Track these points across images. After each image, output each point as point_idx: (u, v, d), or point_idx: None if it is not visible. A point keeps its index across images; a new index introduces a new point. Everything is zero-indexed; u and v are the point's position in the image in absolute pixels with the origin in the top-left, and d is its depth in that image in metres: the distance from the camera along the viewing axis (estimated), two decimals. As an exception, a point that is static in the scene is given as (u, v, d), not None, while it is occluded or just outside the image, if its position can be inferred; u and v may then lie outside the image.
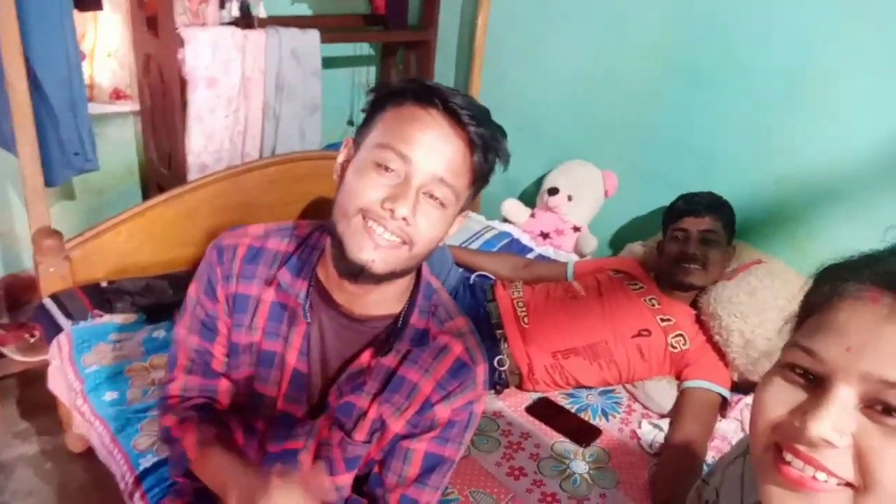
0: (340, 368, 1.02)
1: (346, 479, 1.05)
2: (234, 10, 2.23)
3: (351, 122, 3.07)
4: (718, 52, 1.97)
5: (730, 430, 1.67)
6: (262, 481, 0.85)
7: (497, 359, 1.72)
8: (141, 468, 1.38)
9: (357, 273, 0.90)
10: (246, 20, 2.26)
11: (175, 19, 2.09)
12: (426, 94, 0.88)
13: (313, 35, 2.33)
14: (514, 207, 2.40)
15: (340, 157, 0.96)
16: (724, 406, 1.69)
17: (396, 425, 1.00)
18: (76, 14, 2.19)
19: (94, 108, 2.40)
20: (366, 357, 0.99)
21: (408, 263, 0.93)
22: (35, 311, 1.85)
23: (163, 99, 2.23)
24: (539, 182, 2.43)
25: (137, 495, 1.33)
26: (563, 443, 1.61)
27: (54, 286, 1.83)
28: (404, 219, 0.87)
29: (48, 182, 1.89)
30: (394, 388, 0.99)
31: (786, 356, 0.58)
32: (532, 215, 2.38)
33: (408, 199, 0.87)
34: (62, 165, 1.91)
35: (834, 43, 1.75)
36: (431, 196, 0.89)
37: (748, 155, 1.93)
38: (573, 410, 1.72)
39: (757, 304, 1.67)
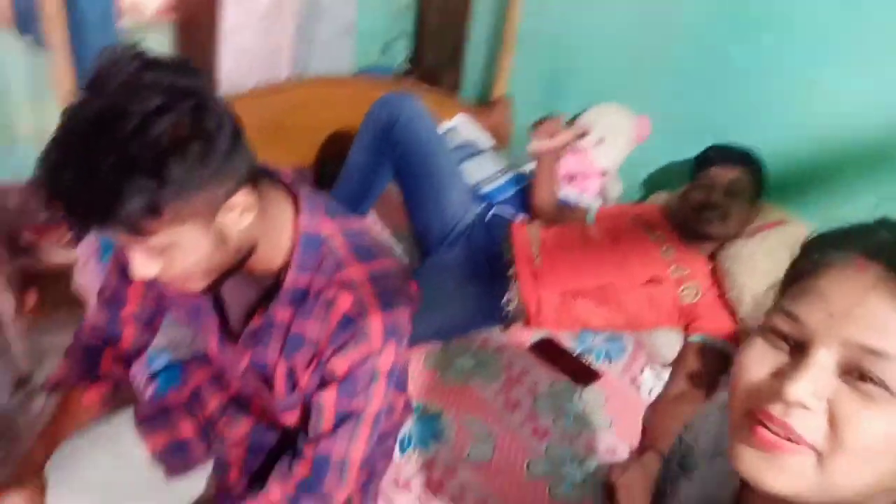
0: (243, 325, 1.03)
1: (289, 418, 1.06)
2: (272, -76, 2.19)
3: (386, 49, 3.02)
4: (758, 3, 1.87)
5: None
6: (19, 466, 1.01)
7: (505, 298, 1.74)
8: (154, 367, 1.47)
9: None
10: (284, -67, 2.22)
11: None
12: None
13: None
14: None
15: None
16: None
17: (304, 380, 1.00)
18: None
19: (128, 21, 2.41)
20: (259, 315, 1.00)
21: (229, 261, 0.91)
22: (67, 212, 1.92)
23: (196, 13, 2.23)
24: (572, 122, 2.38)
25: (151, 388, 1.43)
26: (563, 381, 1.64)
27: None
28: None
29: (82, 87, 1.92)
30: (294, 346, 0.99)
31: (769, 320, 0.58)
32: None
33: (134, 265, 0.87)
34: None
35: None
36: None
37: (786, 110, 1.86)
38: (577, 351, 1.75)
39: (773, 265, 1.64)
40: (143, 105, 0.74)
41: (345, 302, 0.94)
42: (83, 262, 1.82)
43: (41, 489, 1.02)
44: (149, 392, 1.43)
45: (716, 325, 1.69)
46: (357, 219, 1.07)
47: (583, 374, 1.67)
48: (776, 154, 1.80)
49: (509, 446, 1.45)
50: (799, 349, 0.55)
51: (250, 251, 0.93)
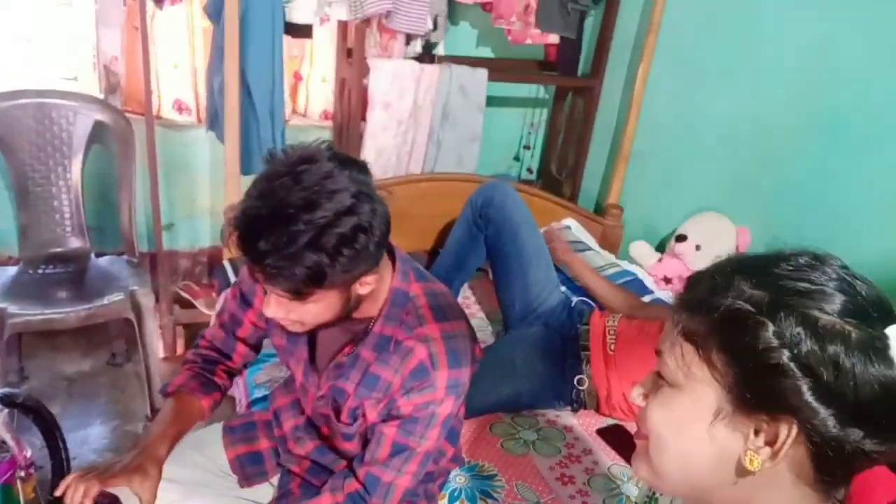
0: (330, 359, 1.22)
1: (347, 446, 1.26)
2: (417, 47, 2.59)
3: (517, 158, 3.31)
4: (860, 110, 1.91)
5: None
6: (142, 456, 1.15)
7: (577, 378, 1.82)
8: (253, 396, 1.70)
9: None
10: (427, 56, 2.61)
11: (366, 50, 2.49)
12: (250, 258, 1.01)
13: (482, 73, 2.61)
14: (642, 249, 2.46)
15: None
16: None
17: (372, 415, 1.18)
18: (296, 42, 2.70)
19: (300, 122, 2.90)
20: (347, 350, 1.19)
21: (344, 311, 1.11)
22: (216, 270, 2.30)
23: (349, 117, 2.64)
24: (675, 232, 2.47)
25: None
26: (622, 467, 1.66)
27: (234, 252, 2.27)
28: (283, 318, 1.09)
29: (245, 170, 2.35)
30: (370, 385, 1.16)
31: None
32: (659, 260, 2.42)
33: (268, 304, 1.07)
34: (258, 158, 2.37)
35: None
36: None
37: (881, 219, 1.85)
38: (646, 443, 1.76)
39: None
40: (337, 204, 0.97)
41: (420, 353, 1.13)
42: (218, 311, 2.15)
43: (158, 479, 1.19)
44: (244, 409, 1.66)
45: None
46: (439, 283, 1.26)
47: (647, 464, 1.68)
48: (875, 264, 1.77)
49: (555, 514, 1.49)
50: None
51: (357, 306, 1.13)
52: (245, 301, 1.31)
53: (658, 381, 0.67)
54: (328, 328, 1.18)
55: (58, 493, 1.10)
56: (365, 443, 1.23)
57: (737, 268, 0.63)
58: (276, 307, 1.06)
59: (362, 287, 1.08)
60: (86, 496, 1.08)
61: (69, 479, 1.10)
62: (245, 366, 1.42)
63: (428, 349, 1.12)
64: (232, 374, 1.40)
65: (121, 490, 1.17)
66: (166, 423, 1.23)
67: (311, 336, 1.26)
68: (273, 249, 0.96)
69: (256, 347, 1.40)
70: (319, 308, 1.06)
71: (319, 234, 0.95)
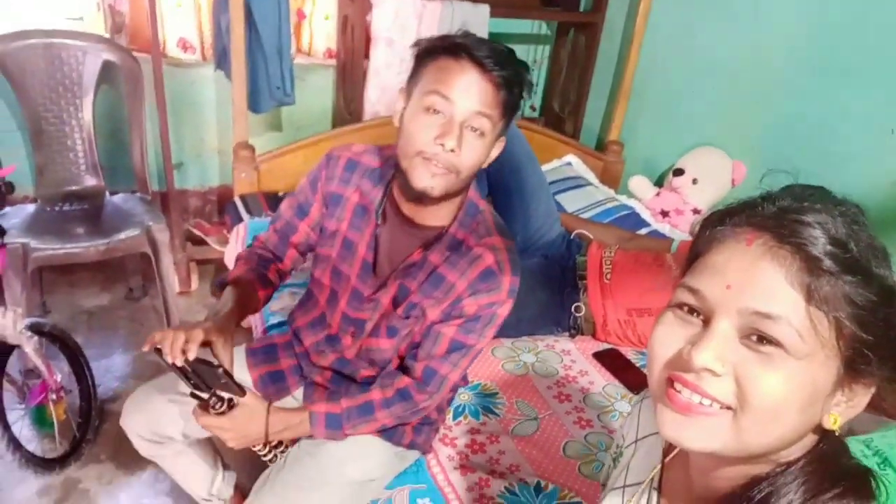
0: (401, 261, 1.31)
1: (385, 343, 1.35)
2: (419, -17, 2.59)
3: (533, 94, 3.33)
4: (851, 49, 1.95)
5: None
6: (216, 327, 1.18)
7: (575, 305, 1.91)
8: (269, 322, 1.80)
9: (420, 196, 1.20)
10: (429, -7, 2.61)
11: (369, -13, 2.50)
12: (454, 49, 1.13)
13: (483, 10, 2.62)
14: (640, 184, 2.52)
15: (398, 105, 1.22)
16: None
17: (433, 314, 1.27)
18: (298, -21, 2.70)
19: (304, 60, 2.93)
20: (417, 254, 1.28)
21: (457, 186, 1.20)
22: (228, 206, 2.38)
23: (352, 55, 2.66)
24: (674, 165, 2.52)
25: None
26: (616, 387, 1.77)
27: (244, 189, 2.34)
28: (452, 150, 1.13)
29: (253, 107, 2.40)
30: (435, 284, 1.26)
31: (675, 296, 0.63)
32: (657, 194, 2.49)
33: (453, 133, 1.13)
34: (266, 96, 2.42)
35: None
36: (472, 128, 1.15)
37: (868, 154, 1.90)
38: (640, 365, 1.86)
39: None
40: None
41: (489, 258, 1.23)
42: (231, 248, 2.23)
43: (233, 346, 1.22)
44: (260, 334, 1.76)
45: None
46: None
47: (640, 385, 1.78)
48: (856, 195, 1.83)
49: (552, 428, 1.61)
50: (703, 320, 0.61)
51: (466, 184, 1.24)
52: (302, 211, 1.40)
53: (758, 349, 0.58)
54: (396, 234, 1.29)
55: (146, 347, 1.11)
56: (400, 347, 1.34)
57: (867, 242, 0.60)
58: (458, 140, 1.14)
59: (496, 149, 1.23)
60: (191, 341, 1.10)
61: (160, 333, 1.12)
62: (293, 269, 1.51)
63: (495, 256, 1.24)
64: (282, 275, 1.49)
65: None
66: (231, 306, 1.29)
67: (376, 243, 1.33)
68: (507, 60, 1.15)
69: (304, 255, 1.49)
70: (485, 146, 1.18)
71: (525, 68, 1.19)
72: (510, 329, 1.86)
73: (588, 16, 2.94)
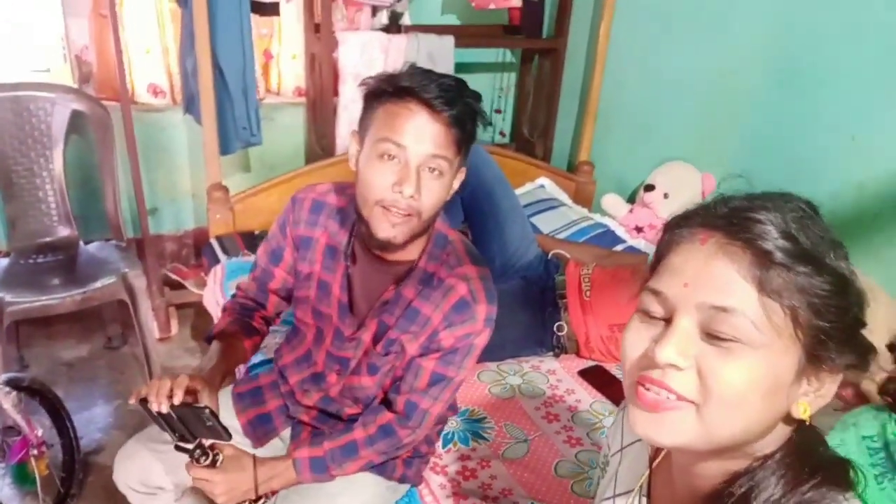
0: (376, 299, 1.31)
1: (367, 381, 1.34)
2: (383, 19, 2.64)
3: (489, 123, 3.37)
4: (812, 58, 2.01)
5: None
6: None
7: (557, 324, 1.93)
8: (251, 362, 1.79)
9: (384, 246, 1.21)
10: (393, 27, 2.66)
11: (334, 24, 2.54)
12: (401, 93, 1.11)
13: (448, 41, 2.67)
14: (613, 201, 2.57)
15: (352, 149, 1.22)
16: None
17: (412, 348, 1.27)
18: (264, 20, 2.74)
19: (274, 99, 2.95)
20: (391, 291, 1.28)
21: (420, 227, 1.20)
22: (204, 248, 2.37)
23: (321, 92, 2.69)
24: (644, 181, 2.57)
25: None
26: (603, 403, 1.77)
27: (219, 230, 2.34)
28: (411, 196, 1.13)
29: (223, 149, 2.41)
30: (411, 319, 1.26)
31: (640, 301, 0.66)
32: (630, 211, 2.53)
33: (410, 179, 1.13)
34: (233, 137, 2.43)
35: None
36: (430, 169, 1.15)
37: (832, 160, 1.96)
38: (625, 381, 1.87)
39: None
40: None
41: (462, 289, 1.23)
42: (209, 289, 2.22)
43: (217, 398, 1.21)
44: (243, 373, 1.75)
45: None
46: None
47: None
48: (822, 201, 1.88)
49: (542, 449, 1.60)
50: (668, 320, 0.63)
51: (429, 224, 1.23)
52: (276, 256, 1.40)
53: (717, 342, 0.60)
54: (366, 273, 1.29)
55: (132, 400, 1.12)
56: (383, 383, 1.34)
57: (817, 231, 0.63)
58: (416, 185, 1.13)
59: (456, 181, 1.22)
60: (176, 387, 1.10)
61: (145, 385, 1.13)
62: (278, 314, 1.51)
63: (468, 286, 1.23)
64: (268, 322, 1.49)
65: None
66: (217, 360, 1.30)
67: (349, 283, 1.33)
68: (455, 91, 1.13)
69: (287, 299, 1.48)
70: (444, 185, 1.17)
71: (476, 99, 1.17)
72: (495, 352, 1.86)
73: (550, 42, 3.01)
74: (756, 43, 2.20)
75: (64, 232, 2.35)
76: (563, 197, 2.71)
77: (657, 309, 0.64)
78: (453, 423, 1.64)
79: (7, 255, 2.31)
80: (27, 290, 2.06)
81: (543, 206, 2.56)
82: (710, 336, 0.60)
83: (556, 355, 1.95)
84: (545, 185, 2.75)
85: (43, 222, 2.33)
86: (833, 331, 0.60)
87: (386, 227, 1.16)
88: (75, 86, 2.53)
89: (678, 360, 0.60)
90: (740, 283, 0.59)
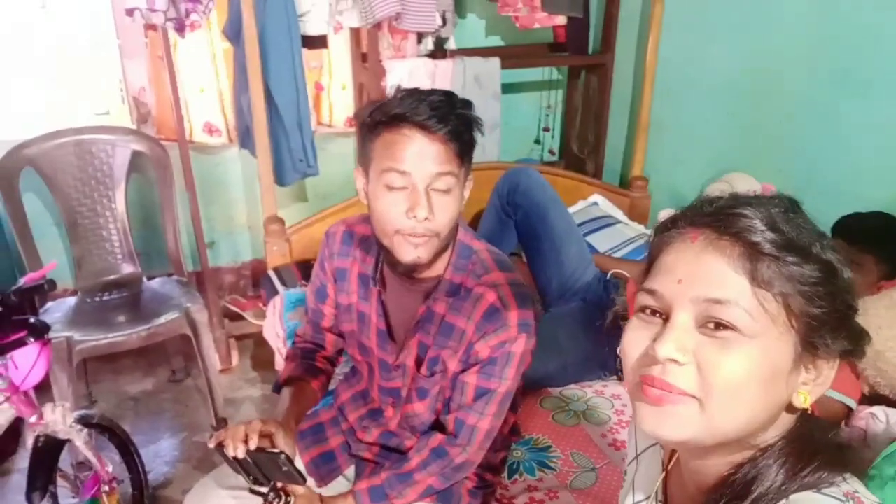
0: (410, 320, 1.30)
1: (419, 408, 1.33)
2: (429, 45, 2.66)
3: (538, 141, 3.36)
4: (867, 60, 1.93)
5: (852, 439, 1.64)
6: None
7: (619, 347, 1.87)
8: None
9: (412, 269, 1.21)
10: (439, 52, 2.67)
11: (381, 53, 2.56)
12: (394, 121, 1.12)
13: (494, 62, 2.66)
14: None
15: (359, 184, 1.23)
16: (849, 415, 1.66)
17: (453, 364, 1.26)
18: (313, 53, 2.78)
19: (326, 131, 2.99)
20: (422, 308, 1.27)
21: (443, 244, 1.20)
22: (262, 279, 2.40)
23: (371, 119, 2.71)
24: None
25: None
26: (672, 428, 1.71)
27: (277, 261, 2.37)
28: (426, 218, 1.13)
29: (279, 181, 2.44)
30: (447, 334, 1.25)
31: (638, 301, 0.68)
32: (689, 225, 2.46)
33: (421, 203, 1.12)
34: (290, 169, 2.47)
35: None
36: (438, 190, 1.14)
37: (893, 162, 1.87)
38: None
39: (894, 317, 1.63)
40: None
41: (490, 297, 1.21)
42: (269, 321, 2.24)
43: (294, 441, 1.25)
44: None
45: (835, 378, 1.67)
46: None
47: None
48: (890, 207, 1.79)
49: (610, 478, 1.55)
50: (665, 318, 0.65)
51: (451, 238, 1.23)
52: (321, 294, 1.42)
53: (714, 334, 0.62)
54: (397, 295, 1.29)
55: (211, 444, 1.15)
56: (435, 406, 1.32)
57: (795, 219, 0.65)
58: (428, 207, 1.13)
59: (466, 189, 1.21)
60: (251, 431, 1.13)
61: (223, 430, 1.16)
62: (340, 352, 1.52)
63: (497, 293, 1.21)
64: (331, 362, 1.51)
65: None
66: (289, 404, 1.33)
67: (384, 310, 1.34)
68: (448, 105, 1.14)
69: (341, 335, 1.48)
70: (455, 199, 1.16)
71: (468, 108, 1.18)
72: (557, 378, 1.83)
73: (597, 58, 2.97)
74: (805, 44, 2.13)
75: (128, 269, 2.42)
76: (619, 214, 2.66)
77: (655, 307, 0.66)
78: (518, 453, 1.61)
79: (74, 293, 2.38)
80: (95, 328, 2.12)
81: (598, 224, 2.51)
82: (708, 329, 0.62)
83: (620, 379, 1.89)
84: (599, 203, 2.70)
85: (107, 261, 2.40)
86: (825, 317, 0.62)
87: (409, 251, 1.17)
88: (134, 127, 2.61)
89: (677, 354, 0.62)
90: (732, 275, 0.62)
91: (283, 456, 1.11)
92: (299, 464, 1.32)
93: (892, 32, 1.87)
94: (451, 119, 1.13)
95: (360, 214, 1.39)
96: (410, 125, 1.12)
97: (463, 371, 1.25)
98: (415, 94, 1.15)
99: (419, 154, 1.12)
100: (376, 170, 1.16)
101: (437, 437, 1.29)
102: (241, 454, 1.11)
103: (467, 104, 1.18)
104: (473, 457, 1.29)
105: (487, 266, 1.26)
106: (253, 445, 1.11)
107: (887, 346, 1.62)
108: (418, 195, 1.13)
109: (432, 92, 1.16)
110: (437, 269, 1.26)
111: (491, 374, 1.24)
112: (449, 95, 1.16)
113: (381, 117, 1.15)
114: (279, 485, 1.19)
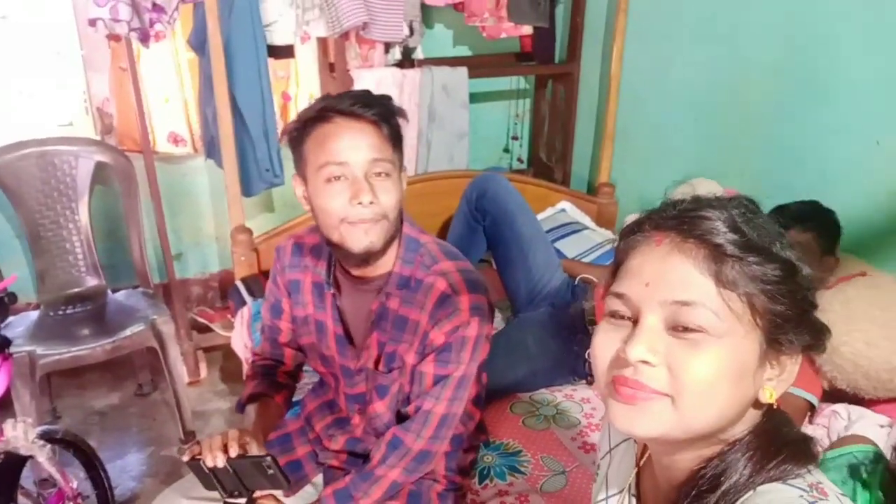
0: (366, 320, 1.31)
1: (380, 407, 1.33)
2: (396, 54, 2.67)
3: (506, 150, 3.39)
4: (828, 64, 1.98)
5: (816, 436, 1.67)
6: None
7: (588, 351, 1.89)
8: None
9: (366, 258, 1.21)
10: (407, 61, 2.69)
11: (348, 63, 2.57)
12: (322, 115, 1.16)
13: (462, 72, 2.69)
14: (636, 223, 2.53)
15: (299, 192, 1.25)
16: (812, 412, 1.70)
17: (410, 358, 1.27)
18: (280, 63, 2.78)
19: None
20: (375, 304, 1.28)
21: (393, 229, 1.22)
22: (230, 290, 2.38)
23: (339, 128, 2.71)
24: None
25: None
26: (641, 430, 1.73)
27: (245, 272, 2.34)
28: (371, 202, 1.15)
29: (246, 191, 2.43)
30: (401, 328, 1.26)
31: (606, 305, 0.69)
32: (655, 230, 2.49)
33: (363, 189, 1.15)
34: (256, 179, 2.45)
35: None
36: (377, 174, 1.16)
37: (858, 167, 1.92)
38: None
39: (848, 313, 1.67)
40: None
41: (441, 284, 1.23)
42: (237, 332, 2.22)
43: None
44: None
45: (797, 374, 1.70)
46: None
47: (664, 424, 1.75)
48: (852, 208, 1.84)
49: (581, 481, 1.56)
50: (634, 321, 0.66)
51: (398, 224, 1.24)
52: (276, 310, 1.43)
53: (683, 335, 0.63)
54: (350, 298, 1.31)
55: (185, 458, 1.14)
56: (397, 405, 1.32)
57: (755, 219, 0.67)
58: (371, 191, 1.15)
59: (403, 181, 1.23)
60: (231, 439, 1.12)
61: (195, 444, 1.15)
62: (300, 366, 1.52)
63: (447, 280, 1.23)
64: (291, 376, 1.50)
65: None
66: (256, 419, 1.34)
67: (340, 314, 1.34)
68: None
69: (300, 349, 1.48)
70: (395, 183, 1.19)
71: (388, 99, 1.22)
72: (526, 383, 1.84)
73: (563, 67, 3.01)
74: (768, 52, 2.18)
75: (92, 282, 2.38)
76: (586, 220, 2.69)
77: (623, 311, 0.67)
78: (489, 458, 1.61)
79: (37, 307, 2.34)
80: (58, 342, 2.08)
81: (566, 230, 2.54)
82: (676, 330, 0.64)
83: (590, 383, 1.91)
84: (566, 209, 2.73)
85: (71, 273, 2.36)
86: (788, 313, 0.65)
87: (360, 238, 1.18)
88: (98, 138, 2.58)
89: (648, 356, 0.63)
90: (698, 277, 0.63)
91: (268, 458, 1.10)
92: None
93: (852, 41, 1.93)
94: (376, 105, 1.17)
95: (308, 227, 1.41)
96: (338, 113, 1.15)
97: (420, 362, 1.26)
98: (335, 95, 1.20)
99: (352, 141, 1.15)
100: (313, 168, 1.18)
101: (391, 430, 1.29)
102: (220, 463, 1.10)
103: (387, 97, 1.22)
104: (431, 446, 1.28)
105: (435, 256, 1.27)
106: (234, 453, 1.10)
107: (841, 340, 1.65)
108: (359, 182, 1.15)
109: (349, 91, 1.23)
110: (387, 264, 1.27)
111: (448, 361, 1.24)
112: (367, 91, 1.22)
113: (308, 114, 1.19)
114: (257, 494, 1.18)
